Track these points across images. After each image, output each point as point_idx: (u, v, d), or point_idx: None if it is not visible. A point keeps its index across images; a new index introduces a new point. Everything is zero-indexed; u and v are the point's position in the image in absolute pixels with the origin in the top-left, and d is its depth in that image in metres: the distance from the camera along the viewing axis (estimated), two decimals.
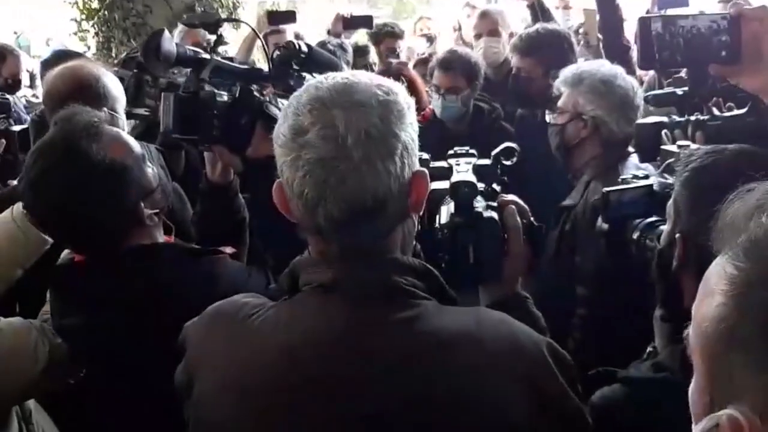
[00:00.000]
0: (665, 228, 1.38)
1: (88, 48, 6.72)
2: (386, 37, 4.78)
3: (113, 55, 6.23)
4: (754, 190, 0.76)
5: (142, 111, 2.65)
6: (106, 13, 6.47)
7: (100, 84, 2.25)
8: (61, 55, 3.53)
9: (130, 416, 1.63)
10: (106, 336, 1.53)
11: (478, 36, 4.00)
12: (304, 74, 1.67)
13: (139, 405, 1.60)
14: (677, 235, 1.29)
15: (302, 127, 1.08)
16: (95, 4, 6.60)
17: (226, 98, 1.65)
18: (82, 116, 1.58)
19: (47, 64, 3.36)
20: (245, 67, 1.71)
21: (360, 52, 4.19)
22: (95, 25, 6.64)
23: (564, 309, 2.33)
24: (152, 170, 1.62)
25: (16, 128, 2.64)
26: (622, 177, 1.77)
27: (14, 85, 4.73)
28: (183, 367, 1.21)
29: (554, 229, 2.49)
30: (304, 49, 1.67)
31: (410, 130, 1.12)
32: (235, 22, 4.39)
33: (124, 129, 2.32)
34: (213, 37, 1.69)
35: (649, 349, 1.50)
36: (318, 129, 1.06)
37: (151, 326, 1.50)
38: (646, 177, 1.74)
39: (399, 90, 1.14)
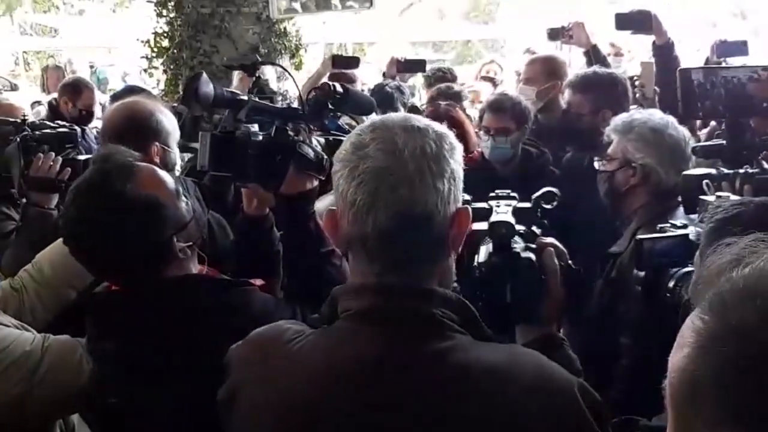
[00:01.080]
0: (693, 278, 1.36)
1: (158, 84, 6.97)
2: (438, 81, 4.82)
3: (179, 91, 6.41)
4: (732, 244, 0.76)
5: (196, 145, 2.74)
6: (175, 51, 6.71)
7: (153, 119, 2.33)
8: (129, 90, 3.69)
9: None
10: (138, 362, 1.58)
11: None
12: (339, 114, 1.72)
13: (171, 429, 1.64)
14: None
15: (363, 143, 1.15)
16: (165, 43, 6.84)
17: (261, 138, 1.69)
18: (118, 156, 1.65)
19: (116, 98, 3.49)
20: (281, 106, 1.76)
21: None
22: (164, 63, 6.88)
23: (608, 358, 2.29)
24: (186, 204, 1.67)
25: (82, 157, 2.76)
26: (659, 225, 1.76)
27: (88, 117, 4.93)
28: (226, 387, 1.26)
29: (600, 276, 2.46)
30: (339, 89, 1.72)
31: (458, 166, 1.19)
32: (271, 65, 4.47)
33: (176, 162, 2.42)
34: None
35: None
36: (377, 143, 1.14)
37: (181, 354, 1.54)
38: (685, 226, 1.72)
39: (450, 133, 1.21)
